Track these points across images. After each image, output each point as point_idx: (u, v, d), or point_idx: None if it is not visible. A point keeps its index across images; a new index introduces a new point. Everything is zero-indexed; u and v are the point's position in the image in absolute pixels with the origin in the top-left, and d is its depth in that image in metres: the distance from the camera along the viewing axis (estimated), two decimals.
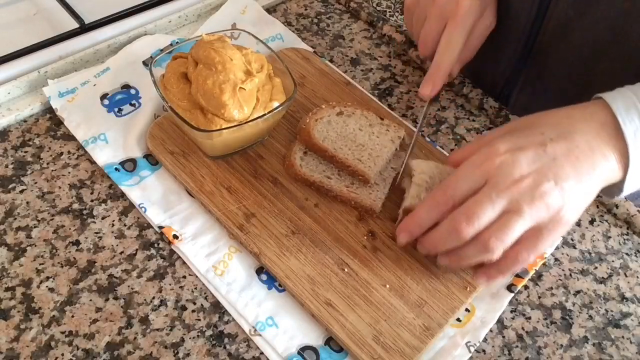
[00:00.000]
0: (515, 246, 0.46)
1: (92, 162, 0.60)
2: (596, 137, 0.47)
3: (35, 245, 0.54)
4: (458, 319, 0.52)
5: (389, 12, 0.88)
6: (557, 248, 0.58)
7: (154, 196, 0.58)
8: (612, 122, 0.47)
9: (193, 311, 0.51)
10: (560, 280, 0.57)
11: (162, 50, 0.64)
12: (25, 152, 0.60)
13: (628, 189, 0.49)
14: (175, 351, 0.49)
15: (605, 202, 0.62)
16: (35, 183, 0.58)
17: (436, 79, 0.60)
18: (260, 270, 0.54)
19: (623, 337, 0.53)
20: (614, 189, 0.50)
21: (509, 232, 0.45)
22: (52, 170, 0.59)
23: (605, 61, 0.62)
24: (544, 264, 0.57)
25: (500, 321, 0.53)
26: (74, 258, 0.53)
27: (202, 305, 0.52)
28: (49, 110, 0.64)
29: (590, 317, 0.54)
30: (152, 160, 0.60)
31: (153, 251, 0.55)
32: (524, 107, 0.71)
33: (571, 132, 0.47)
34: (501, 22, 0.66)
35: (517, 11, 0.66)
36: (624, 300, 0.56)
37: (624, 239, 0.60)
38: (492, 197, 0.45)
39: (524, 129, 0.49)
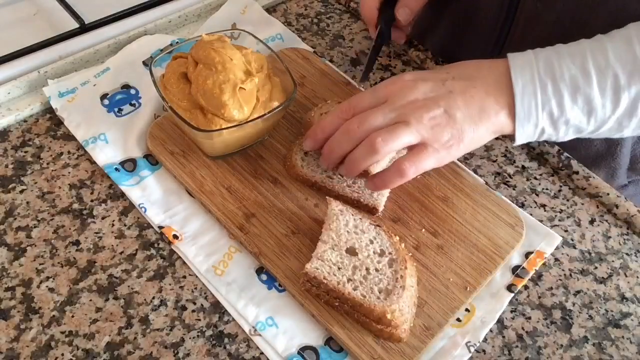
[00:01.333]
0: (399, 158, 0.51)
1: (92, 162, 0.60)
2: (494, 84, 0.51)
3: (35, 245, 0.54)
4: (458, 319, 0.52)
5: None
6: (557, 248, 0.58)
7: (154, 196, 0.58)
8: (508, 75, 0.51)
9: (193, 311, 0.51)
10: (560, 280, 0.57)
11: (162, 50, 0.64)
12: (25, 152, 0.61)
13: (520, 139, 0.53)
14: (175, 351, 0.49)
15: (605, 202, 0.62)
16: (35, 183, 0.58)
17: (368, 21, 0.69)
18: (260, 270, 0.54)
19: (623, 337, 0.53)
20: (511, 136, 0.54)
21: (394, 136, 0.50)
22: (52, 170, 0.59)
23: None
24: (544, 264, 0.57)
25: (500, 321, 0.53)
26: (74, 258, 0.53)
27: (202, 305, 0.52)
28: (49, 110, 0.64)
29: (590, 317, 0.54)
30: (152, 160, 0.60)
31: (153, 251, 0.55)
32: None
33: (474, 76, 0.52)
34: (473, 18, 0.67)
35: (488, 7, 0.68)
36: (624, 300, 0.56)
37: (624, 239, 0.60)
38: (384, 110, 0.51)
39: (439, 68, 0.54)
